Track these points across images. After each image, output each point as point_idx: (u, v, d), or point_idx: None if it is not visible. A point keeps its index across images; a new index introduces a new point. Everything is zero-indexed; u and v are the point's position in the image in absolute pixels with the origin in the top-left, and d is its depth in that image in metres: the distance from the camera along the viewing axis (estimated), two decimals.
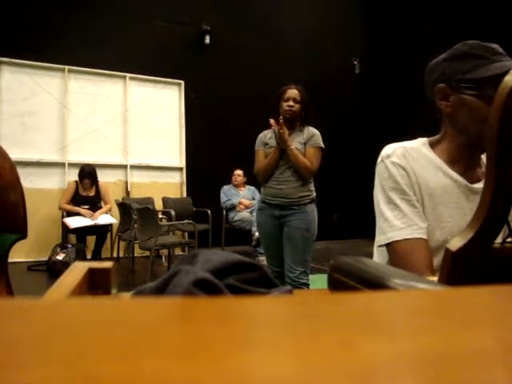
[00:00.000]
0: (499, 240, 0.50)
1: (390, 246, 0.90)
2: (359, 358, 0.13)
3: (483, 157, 1.00)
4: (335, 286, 0.42)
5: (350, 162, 6.64)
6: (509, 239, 0.50)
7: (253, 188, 5.16)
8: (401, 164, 0.93)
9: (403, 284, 0.33)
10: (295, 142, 2.29)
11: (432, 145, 0.99)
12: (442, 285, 0.45)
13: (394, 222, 0.90)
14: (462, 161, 0.95)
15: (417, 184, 0.92)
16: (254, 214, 4.71)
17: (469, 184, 0.94)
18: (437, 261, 0.89)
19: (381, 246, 0.93)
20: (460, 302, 0.21)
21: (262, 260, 4.04)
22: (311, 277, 2.34)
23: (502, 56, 0.90)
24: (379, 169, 0.96)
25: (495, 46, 0.92)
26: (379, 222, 0.94)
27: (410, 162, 0.94)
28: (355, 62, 6.93)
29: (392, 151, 0.95)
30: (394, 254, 0.90)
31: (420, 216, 0.90)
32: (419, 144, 0.99)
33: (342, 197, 6.52)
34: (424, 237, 0.88)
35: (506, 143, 0.46)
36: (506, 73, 0.83)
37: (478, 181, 0.95)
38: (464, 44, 0.93)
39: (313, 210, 2.34)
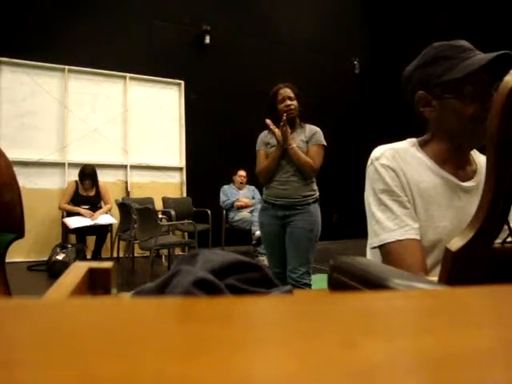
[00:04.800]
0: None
1: (382, 248, 0.91)
2: (359, 357, 0.13)
3: (473, 153, 1.01)
4: (335, 286, 0.42)
5: (349, 161, 6.62)
6: (509, 239, 0.50)
7: (252, 187, 5.16)
8: (390, 166, 0.93)
9: (403, 284, 0.33)
10: (297, 141, 2.28)
11: (421, 145, 0.99)
12: (442, 285, 0.45)
13: (386, 224, 0.90)
14: (451, 160, 0.96)
15: (407, 185, 0.92)
16: (254, 213, 4.72)
17: (460, 183, 0.94)
18: (430, 260, 0.90)
19: (374, 247, 0.93)
20: (460, 302, 0.21)
21: (262, 260, 4.03)
22: (312, 277, 2.33)
23: (471, 51, 0.90)
24: (369, 171, 0.97)
25: (463, 42, 0.92)
26: (371, 224, 0.94)
27: (399, 164, 0.94)
28: (355, 62, 6.93)
29: (381, 153, 0.96)
30: (387, 256, 0.90)
31: (412, 216, 0.90)
32: (408, 145, 1.00)
33: (342, 197, 6.52)
34: (417, 237, 0.88)
35: (506, 143, 0.46)
36: (478, 68, 0.85)
37: (468, 179, 0.96)
38: (432, 47, 0.94)
39: (316, 209, 2.33)
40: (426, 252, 0.89)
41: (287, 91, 2.32)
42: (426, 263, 0.87)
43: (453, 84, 0.89)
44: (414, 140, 1.01)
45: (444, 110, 0.92)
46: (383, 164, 0.94)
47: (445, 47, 0.92)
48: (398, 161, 0.94)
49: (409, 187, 0.92)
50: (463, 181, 0.95)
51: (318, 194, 2.37)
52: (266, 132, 2.42)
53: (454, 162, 0.96)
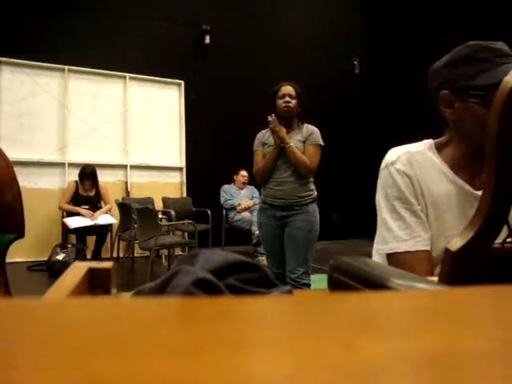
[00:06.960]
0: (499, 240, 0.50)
1: (391, 256, 0.89)
2: (359, 357, 0.13)
3: None
4: (335, 285, 0.42)
5: (349, 161, 6.64)
6: (509, 239, 0.50)
7: (251, 187, 5.17)
8: (406, 172, 0.90)
9: (403, 284, 0.33)
10: (294, 140, 2.27)
11: (438, 148, 0.96)
12: (442, 285, 0.45)
13: (398, 233, 0.88)
14: (467, 167, 0.93)
15: (421, 192, 0.90)
16: (254, 213, 4.72)
17: (474, 191, 0.91)
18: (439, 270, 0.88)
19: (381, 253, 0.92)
20: (460, 302, 0.21)
21: (262, 260, 4.03)
22: (311, 277, 2.33)
23: (507, 57, 0.85)
24: (383, 175, 0.93)
25: (499, 45, 0.87)
26: (381, 230, 0.92)
27: (414, 169, 0.91)
28: (355, 62, 6.93)
29: (397, 157, 0.92)
30: (396, 265, 0.88)
31: (424, 227, 0.88)
32: (425, 147, 0.96)
33: (341, 197, 6.52)
34: (427, 248, 0.87)
35: (506, 143, 0.46)
36: None
37: (482, 188, 0.94)
38: (466, 46, 0.88)
39: (314, 209, 2.32)
40: (437, 261, 0.87)
41: (288, 89, 2.31)
42: (434, 275, 0.86)
43: (481, 89, 0.84)
44: (430, 142, 0.98)
45: (466, 113, 0.88)
46: (398, 169, 0.91)
47: (480, 48, 0.86)
48: (414, 166, 0.91)
49: (422, 195, 0.90)
50: (477, 189, 0.91)
51: (315, 193, 2.36)
52: (263, 132, 2.42)
53: (470, 170, 0.92)
